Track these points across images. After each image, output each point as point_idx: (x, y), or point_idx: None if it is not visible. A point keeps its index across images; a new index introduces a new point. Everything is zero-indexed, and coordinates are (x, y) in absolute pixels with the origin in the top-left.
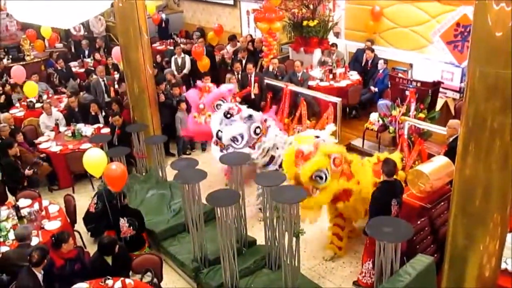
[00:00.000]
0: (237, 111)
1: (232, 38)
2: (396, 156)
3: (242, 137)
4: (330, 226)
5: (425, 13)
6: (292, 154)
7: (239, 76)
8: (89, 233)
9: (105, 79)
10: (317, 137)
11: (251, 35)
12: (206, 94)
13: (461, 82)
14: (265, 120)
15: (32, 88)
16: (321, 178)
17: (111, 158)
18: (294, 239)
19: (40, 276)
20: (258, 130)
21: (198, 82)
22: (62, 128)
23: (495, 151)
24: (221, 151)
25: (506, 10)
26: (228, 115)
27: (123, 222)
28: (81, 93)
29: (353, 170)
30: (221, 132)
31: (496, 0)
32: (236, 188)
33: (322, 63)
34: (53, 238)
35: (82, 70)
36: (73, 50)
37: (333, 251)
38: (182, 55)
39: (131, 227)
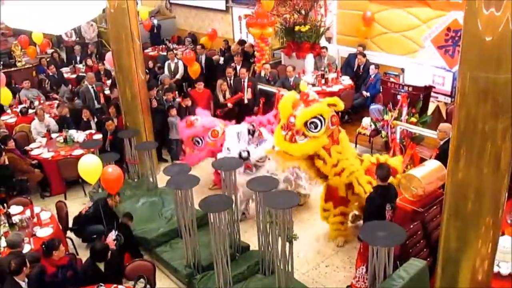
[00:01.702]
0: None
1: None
2: (397, 160)
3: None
4: (332, 217)
5: (416, 18)
6: (294, 95)
7: (232, 81)
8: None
9: (94, 85)
10: None
11: (244, 41)
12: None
13: (452, 86)
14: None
15: (5, 96)
16: (315, 126)
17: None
18: (287, 244)
19: (24, 285)
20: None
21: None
22: (54, 135)
23: (486, 154)
24: (245, 171)
25: (496, 15)
26: (253, 132)
27: (112, 234)
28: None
29: (341, 142)
30: (247, 152)
31: (486, 5)
32: (228, 193)
33: (316, 67)
34: (43, 246)
35: (74, 76)
36: (64, 56)
37: (342, 237)
38: (175, 60)
39: (115, 243)
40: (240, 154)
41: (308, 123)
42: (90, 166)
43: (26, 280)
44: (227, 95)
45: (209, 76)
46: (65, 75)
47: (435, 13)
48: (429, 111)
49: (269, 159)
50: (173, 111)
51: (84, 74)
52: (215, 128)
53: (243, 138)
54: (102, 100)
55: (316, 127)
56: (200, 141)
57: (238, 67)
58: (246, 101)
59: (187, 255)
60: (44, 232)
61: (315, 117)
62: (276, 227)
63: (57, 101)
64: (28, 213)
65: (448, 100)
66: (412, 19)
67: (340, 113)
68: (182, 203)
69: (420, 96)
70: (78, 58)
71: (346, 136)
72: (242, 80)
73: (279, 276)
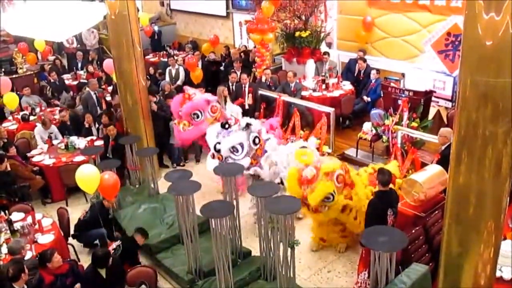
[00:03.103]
0: (235, 121)
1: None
2: (392, 165)
3: (242, 147)
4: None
5: (416, 23)
6: (295, 176)
7: (233, 86)
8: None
9: (96, 92)
10: (304, 147)
11: (245, 46)
12: (187, 102)
13: (453, 91)
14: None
15: (12, 100)
16: (328, 199)
17: (102, 171)
18: (289, 249)
19: None
20: (257, 140)
21: (186, 87)
22: (55, 141)
23: (487, 159)
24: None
25: (496, 19)
26: (227, 126)
27: (114, 244)
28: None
29: (353, 178)
30: (219, 144)
31: (486, 9)
32: (230, 199)
33: (317, 73)
34: (37, 257)
35: (75, 82)
36: (66, 62)
37: (344, 242)
38: (176, 66)
39: (114, 252)
40: (215, 147)
41: (322, 199)
42: (88, 176)
43: (25, 287)
44: (228, 100)
45: (208, 82)
46: (66, 82)
47: (435, 18)
48: (430, 116)
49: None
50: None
51: (85, 81)
52: (214, 104)
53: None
54: (104, 106)
55: (329, 199)
56: (200, 115)
57: (238, 73)
58: (247, 107)
59: (188, 261)
60: (46, 239)
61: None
62: (277, 233)
63: (58, 108)
64: (29, 219)
65: (449, 104)
66: (412, 24)
67: (341, 118)
68: (183, 209)
69: (421, 101)
70: (79, 65)
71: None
72: (243, 85)
73: (281, 282)
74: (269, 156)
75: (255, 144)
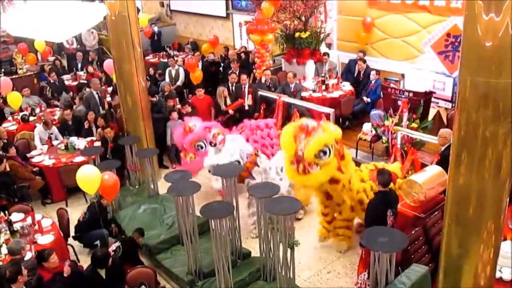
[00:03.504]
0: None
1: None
2: (396, 166)
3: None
4: (336, 222)
5: (416, 23)
6: (293, 128)
7: (233, 87)
8: (76, 241)
9: (98, 91)
10: None
11: (245, 47)
12: (189, 134)
13: (452, 91)
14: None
15: (15, 99)
16: (324, 153)
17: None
18: (289, 250)
19: None
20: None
21: (185, 119)
22: (55, 142)
23: (487, 159)
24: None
25: (496, 20)
26: (212, 144)
27: (113, 246)
28: (74, 106)
29: (347, 158)
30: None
31: (486, 10)
32: (230, 200)
33: (317, 73)
34: (36, 256)
35: (75, 83)
36: (65, 63)
37: (346, 243)
38: (176, 67)
39: (114, 254)
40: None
41: (317, 153)
42: (89, 177)
43: None
44: (228, 101)
45: (207, 82)
46: (66, 83)
47: (435, 19)
48: (430, 117)
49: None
50: (174, 114)
51: (85, 82)
52: (215, 131)
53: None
54: (106, 106)
55: (325, 154)
56: (204, 146)
57: (236, 74)
58: (246, 108)
59: (188, 262)
60: (45, 239)
61: (322, 147)
62: (277, 234)
63: (58, 108)
64: (29, 220)
65: (449, 105)
66: (412, 25)
67: (340, 119)
68: (183, 209)
69: (421, 102)
70: (79, 65)
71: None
72: (243, 86)
73: (280, 283)
74: (260, 171)
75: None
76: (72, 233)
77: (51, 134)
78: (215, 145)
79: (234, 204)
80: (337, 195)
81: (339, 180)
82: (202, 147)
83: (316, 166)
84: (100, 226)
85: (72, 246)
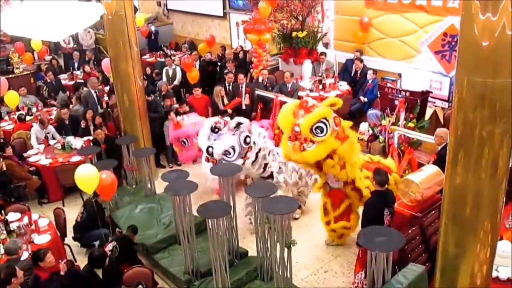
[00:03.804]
0: (224, 123)
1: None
2: (390, 161)
3: (234, 150)
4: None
5: (413, 23)
6: (294, 104)
7: (230, 87)
8: (77, 242)
9: (96, 90)
10: None
11: (241, 46)
12: (177, 129)
13: (449, 91)
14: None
15: (13, 98)
16: (321, 131)
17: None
18: (286, 250)
19: None
20: (248, 139)
21: (171, 115)
22: (52, 141)
23: (484, 159)
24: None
25: (492, 19)
26: (216, 130)
27: (109, 245)
28: (71, 106)
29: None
30: (212, 148)
31: (483, 10)
32: (227, 199)
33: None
34: (31, 255)
35: (72, 82)
36: (62, 62)
37: (337, 239)
38: (173, 66)
39: (110, 253)
40: (207, 150)
41: (313, 129)
42: (87, 176)
43: None
44: (225, 101)
45: (204, 82)
46: (63, 82)
47: (432, 18)
48: (427, 116)
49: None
50: (172, 114)
51: (82, 81)
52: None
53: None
54: (104, 105)
55: (322, 131)
56: (186, 142)
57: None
58: (244, 107)
59: (185, 262)
60: (42, 239)
61: (319, 121)
62: (274, 233)
63: (54, 108)
64: (25, 220)
65: (446, 105)
66: (409, 24)
67: None
68: (180, 209)
69: (418, 101)
70: (76, 65)
71: (352, 132)
72: (240, 85)
73: (277, 282)
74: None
75: (246, 143)
76: (70, 233)
77: (48, 133)
78: (218, 130)
79: (232, 204)
80: (328, 169)
81: (335, 151)
82: (184, 143)
83: (311, 144)
84: (98, 226)
85: (69, 246)
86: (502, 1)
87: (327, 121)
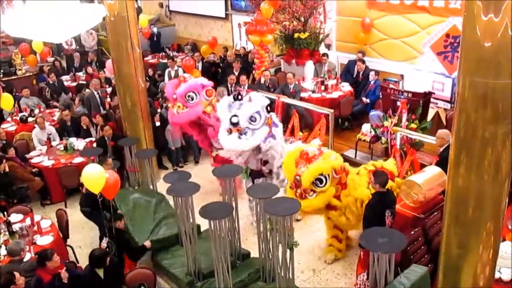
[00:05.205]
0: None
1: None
2: (390, 163)
3: (260, 115)
4: (328, 230)
5: (415, 24)
6: (295, 153)
7: (232, 88)
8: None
9: (99, 91)
10: None
11: (244, 48)
12: (182, 85)
13: (451, 92)
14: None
15: (8, 101)
16: (320, 182)
17: None
18: (288, 251)
19: None
20: (268, 107)
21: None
22: (54, 143)
23: (486, 160)
24: (239, 137)
25: (495, 20)
26: (240, 97)
27: (104, 241)
28: (74, 107)
29: (348, 181)
30: (236, 116)
31: (485, 11)
32: (229, 201)
33: (316, 74)
34: (37, 256)
35: (74, 84)
36: (65, 64)
37: (333, 253)
38: (176, 67)
39: (108, 250)
40: (230, 120)
41: (314, 180)
42: (94, 176)
43: None
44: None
45: None
46: (65, 83)
47: (434, 19)
48: (429, 117)
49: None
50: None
51: (84, 82)
52: (210, 88)
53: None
54: (107, 106)
55: (321, 183)
56: (195, 97)
57: (237, 74)
58: None
59: (187, 263)
60: (45, 241)
61: (318, 175)
62: (276, 234)
63: (57, 109)
64: (28, 221)
65: (448, 106)
66: (411, 26)
67: (340, 120)
68: (182, 210)
69: (420, 102)
70: (76, 66)
71: (354, 174)
72: (242, 87)
73: (279, 284)
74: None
75: (267, 111)
76: (72, 235)
77: (50, 134)
78: (241, 98)
79: (234, 205)
80: (335, 219)
81: (336, 207)
82: (192, 99)
83: (313, 192)
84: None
85: (71, 247)
86: (504, 2)
87: (327, 175)
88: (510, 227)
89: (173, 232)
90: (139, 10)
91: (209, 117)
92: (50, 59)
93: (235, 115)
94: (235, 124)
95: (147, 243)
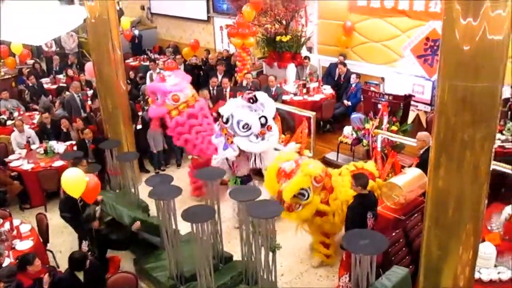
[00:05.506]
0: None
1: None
2: (371, 164)
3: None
4: (312, 236)
5: (395, 28)
6: (274, 171)
7: (214, 91)
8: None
9: (80, 94)
10: None
11: (227, 50)
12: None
13: (432, 95)
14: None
15: None
16: (303, 195)
17: None
18: (271, 254)
19: None
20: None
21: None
22: (34, 146)
23: (466, 162)
24: (263, 139)
25: (473, 24)
26: (256, 99)
27: (84, 245)
28: (54, 109)
29: (333, 184)
30: (265, 117)
31: (464, 15)
32: (211, 204)
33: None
34: (17, 260)
35: (54, 86)
36: (45, 66)
37: (320, 258)
38: (157, 70)
39: (90, 253)
40: (260, 121)
41: (296, 195)
42: (74, 180)
43: None
44: (210, 104)
45: None
46: (45, 86)
47: (414, 23)
48: (410, 120)
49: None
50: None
51: (64, 85)
52: (177, 93)
53: (250, 108)
54: (88, 109)
55: (304, 196)
56: (159, 98)
57: (220, 76)
58: None
59: (170, 266)
60: (24, 245)
61: (300, 189)
62: (259, 237)
63: (37, 112)
64: (7, 225)
65: (428, 108)
66: (391, 29)
67: (321, 122)
68: (164, 213)
69: (401, 105)
70: (57, 69)
71: (336, 172)
72: (224, 89)
73: (262, 286)
74: None
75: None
76: (52, 239)
77: (29, 138)
78: (256, 100)
79: (216, 208)
80: (325, 225)
81: (326, 212)
82: (157, 99)
83: (298, 205)
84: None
85: (52, 252)
86: (483, 6)
87: (307, 188)
88: (489, 228)
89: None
90: (120, 12)
91: (170, 120)
92: (30, 62)
93: (263, 116)
94: (264, 125)
95: (137, 224)
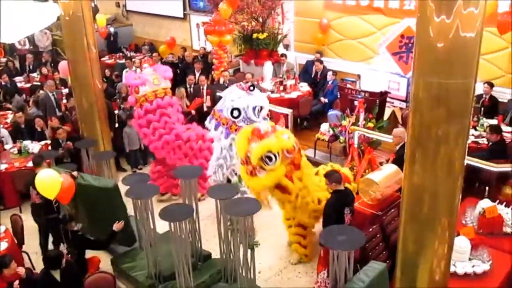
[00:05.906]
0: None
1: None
2: (346, 170)
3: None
4: (291, 235)
5: (371, 25)
6: (248, 132)
7: (191, 88)
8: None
9: (54, 93)
10: None
11: (204, 48)
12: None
13: (407, 92)
14: None
15: None
16: (270, 159)
17: None
18: (249, 251)
19: None
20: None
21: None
22: (7, 146)
23: (440, 158)
24: None
25: (447, 22)
26: (253, 87)
27: (62, 248)
28: (28, 108)
29: (304, 170)
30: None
31: (437, 12)
32: (189, 202)
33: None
34: None
35: (28, 85)
36: (18, 65)
37: (298, 254)
38: (133, 68)
39: (69, 256)
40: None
41: (263, 157)
42: (49, 181)
43: None
44: (187, 102)
45: None
46: (19, 85)
47: (389, 21)
48: (386, 116)
49: None
50: (132, 121)
51: (38, 83)
52: (138, 87)
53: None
54: (63, 108)
55: (271, 160)
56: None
57: (198, 74)
58: (206, 109)
59: (148, 266)
60: None
61: (267, 152)
62: (237, 235)
63: (10, 112)
64: None
65: (403, 105)
66: (367, 27)
67: (299, 119)
68: (142, 213)
69: (376, 102)
70: (30, 67)
71: (308, 162)
72: (201, 87)
73: (241, 284)
74: None
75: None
76: (27, 240)
77: (2, 137)
78: (254, 88)
79: (194, 206)
80: (291, 205)
81: (289, 189)
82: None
83: (262, 170)
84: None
85: (27, 253)
86: (455, 4)
87: (276, 153)
88: (463, 222)
89: None
90: (95, 10)
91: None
92: (3, 60)
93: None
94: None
95: (120, 224)
